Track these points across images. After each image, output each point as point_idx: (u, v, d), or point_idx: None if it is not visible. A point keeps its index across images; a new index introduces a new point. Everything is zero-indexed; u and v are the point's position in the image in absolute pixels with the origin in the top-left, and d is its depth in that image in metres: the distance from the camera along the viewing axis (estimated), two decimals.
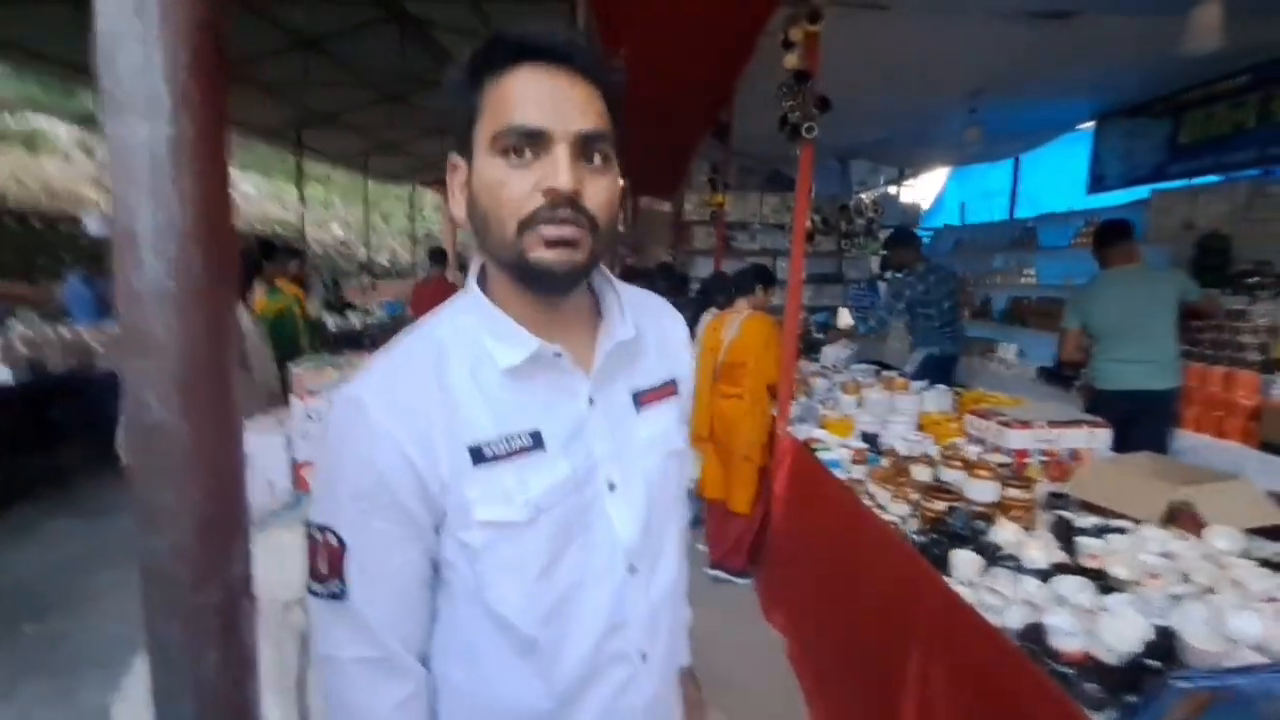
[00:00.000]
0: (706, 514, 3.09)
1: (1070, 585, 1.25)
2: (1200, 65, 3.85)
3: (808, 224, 3.34)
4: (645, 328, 0.71)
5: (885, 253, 7.21)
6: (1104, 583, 1.32)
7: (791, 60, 2.62)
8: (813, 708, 1.89)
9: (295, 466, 1.74)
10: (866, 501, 1.92)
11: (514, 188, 0.55)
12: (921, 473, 1.99)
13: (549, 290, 0.61)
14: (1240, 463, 2.46)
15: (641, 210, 9.65)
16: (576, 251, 0.57)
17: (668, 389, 0.73)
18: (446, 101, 0.60)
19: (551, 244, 0.56)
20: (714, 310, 3.38)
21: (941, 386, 3.15)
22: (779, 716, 1.96)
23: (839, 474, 2.14)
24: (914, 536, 1.66)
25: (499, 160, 0.56)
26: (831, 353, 4.29)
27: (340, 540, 0.57)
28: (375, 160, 9.82)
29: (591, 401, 0.65)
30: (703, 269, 6.23)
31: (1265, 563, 1.42)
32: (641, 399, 0.69)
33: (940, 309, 3.96)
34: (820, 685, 1.89)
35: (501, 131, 0.55)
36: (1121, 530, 1.57)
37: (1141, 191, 4.65)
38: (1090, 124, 5.32)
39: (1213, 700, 0.93)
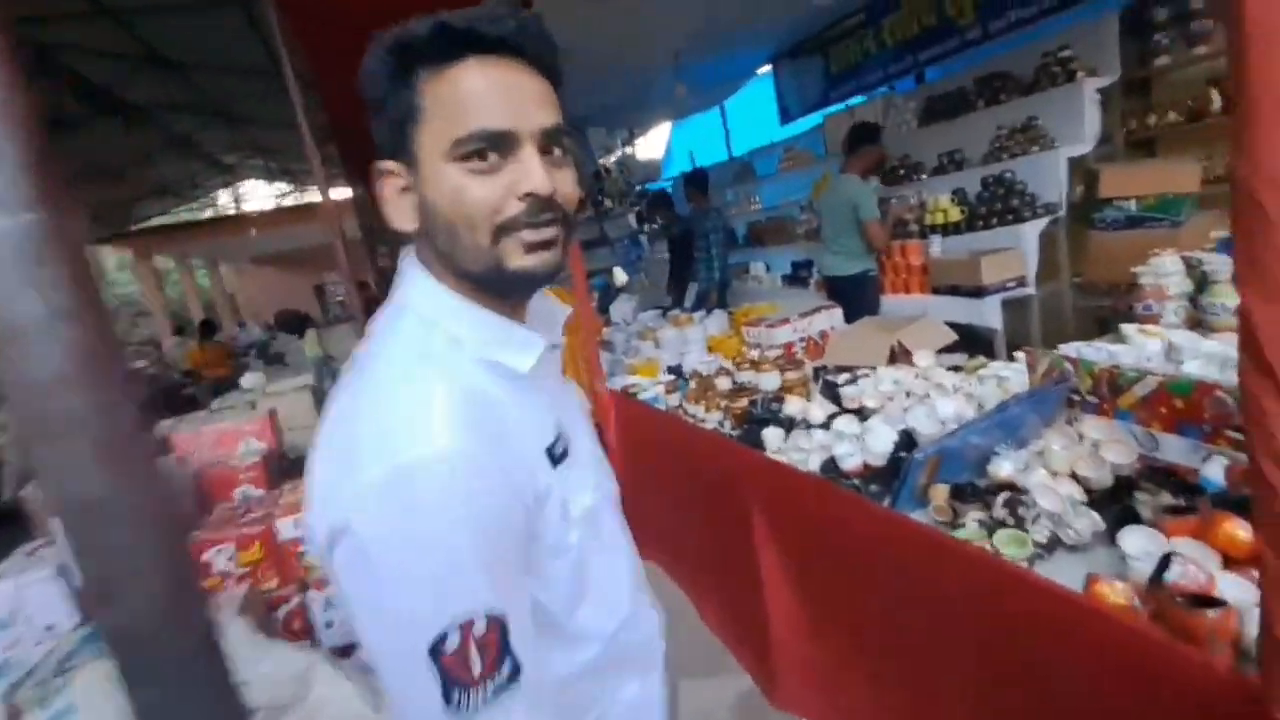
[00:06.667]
0: None
1: (842, 424, 1.65)
2: (828, 11, 4.80)
3: None
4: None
5: (638, 208, 7.83)
6: (862, 415, 1.76)
7: None
8: (699, 601, 2.18)
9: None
10: (688, 420, 2.23)
11: (483, 194, 0.52)
12: (723, 383, 2.35)
13: (524, 294, 0.61)
14: (922, 307, 3.28)
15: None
16: (556, 251, 0.56)
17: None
18: (367, 97, 0.55)
19: (533, 248, 0.54)
20: None
21: (718, 311, 3.64)
22: (674, 626, 2.22)
23: (662, 406, 2.44)
24: (732, 433, 2.00)
25: (459, 166, 0.52)
26: (619, 309, 4.63)
27: (494, 617, 0.49)
28: None
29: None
30: None
31: (951, 368, 1.99)
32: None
33: (719, 241, 4.62)
34: (696, 579, 2.19)
35: (462, 138, 0.51)
36: (866, 376, 2.07)
37: (817, 117, 5.68)
38: (768, 67, 6.30)
39: (939, 461, 1.35)
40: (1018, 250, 3.15)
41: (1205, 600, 0.82)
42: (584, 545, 0.60)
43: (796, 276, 4.54)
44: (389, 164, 0.56)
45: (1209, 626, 0.77)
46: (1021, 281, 3.12)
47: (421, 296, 0.58)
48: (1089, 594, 0.90)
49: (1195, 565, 0.87)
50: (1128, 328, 1.84)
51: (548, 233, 0.55)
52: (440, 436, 0.49)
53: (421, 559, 0.48)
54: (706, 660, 1.96)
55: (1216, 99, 3.19)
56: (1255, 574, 0.80)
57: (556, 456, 0.58)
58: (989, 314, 3.05)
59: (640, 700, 0.69)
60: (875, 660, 1.31)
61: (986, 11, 4.03)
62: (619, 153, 8.20)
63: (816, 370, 2.33)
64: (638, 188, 7.98)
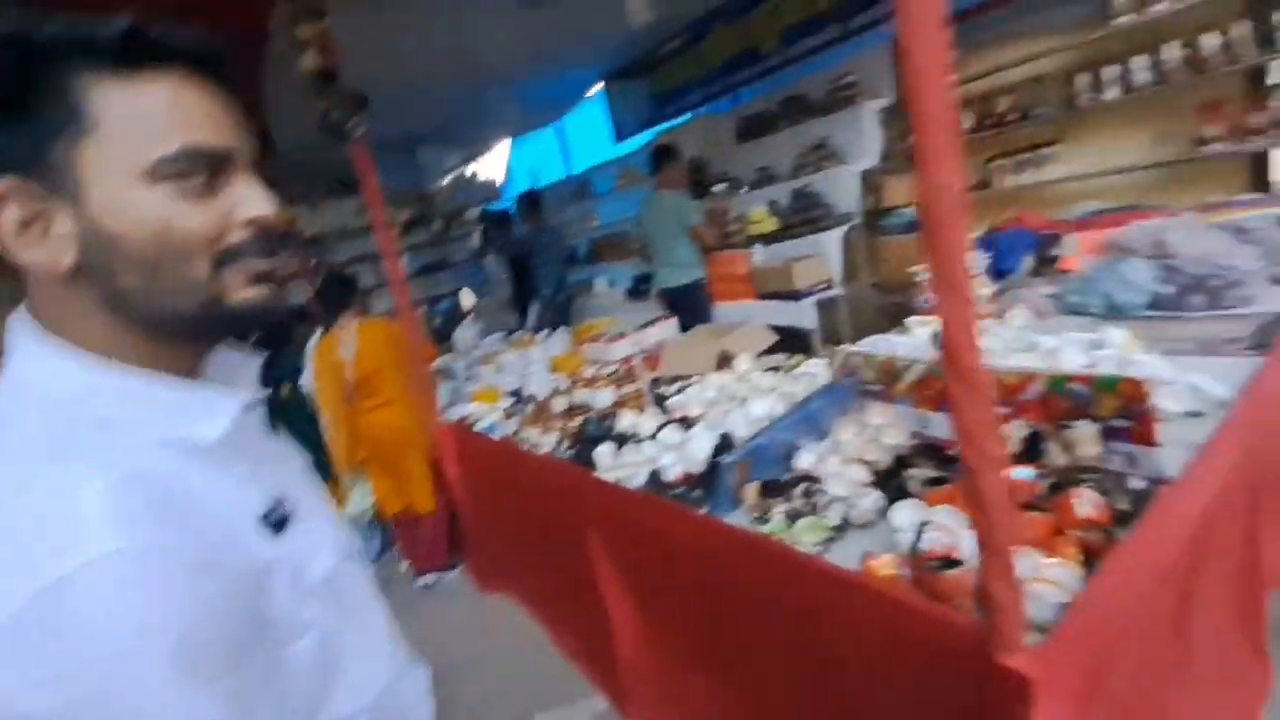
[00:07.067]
0: (395, 533, 3.03)
1: (665, 434, 1.70)
2: (650, 34, 5.02)
3: (399, 219, 3.41)
4: None
5: (483, 228, 7.66)
6: (689, 424, 1.83)
7: (308, 62, 2.55)
8: (551, 628, 2.12)
9: None
10: (526, 446, 2.18)
11: (199, 221, 0.47)
12: (559, 404, 2.34)
13: (237, 335, 0.54)
14: (749, 312, 3.52)
15: None
16: (289, 286, 0.53)
17: None
18: None
19: (261, 279, 0.50)
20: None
21: (561, 329, 3.63)
22: (530, 658, 2.16)
23: (500, 434, 2.36)
24: (567, 454, 1.98)
25: (164, 189, 0.46)
26: (463, 335, 4.46)
27: None
28: None
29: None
30: None
31: (770, 368, 2.14)
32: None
33: (557, 260, 4.67)
34: (545, 607, 2.14)
35: (170, 156, 0.46)
36: (694, 385, 2.16)
37: (648, 135, 5.91)
38: (601, 87, 6.45)
39: (750, 461, 1.43)
40: (824, 256, 3.48)
41: (952, 562, 0.93)
42: (327, 616, 0.53)
43: (638, 290, 4.68)
44: (13, 181, 0.44)
45: (951, 585, 0.87)
46: (830, 284, 3.45)
47: (51, 376, 0.46)
48: (863, 569, 0.99)
49: (945, 530, 0.98)
50: (911, 320, 2.10)
51: (279, 262, 0.51)
52: (98, 540, 0.39)
53: (105, 701, 0.37)
54: (562, 688, 1.92)
55: (963, 119, 3.75)
56: None
57: (275, 523, 0.52)
58: (805, 315, 3.34)
59: None
60: (708, 662, 1.35)
61: (785, 40, 4.44)
62: (456, 173, 7.97)
63: (654, 381, 2.39)
64: (478, 209, 7.82)
